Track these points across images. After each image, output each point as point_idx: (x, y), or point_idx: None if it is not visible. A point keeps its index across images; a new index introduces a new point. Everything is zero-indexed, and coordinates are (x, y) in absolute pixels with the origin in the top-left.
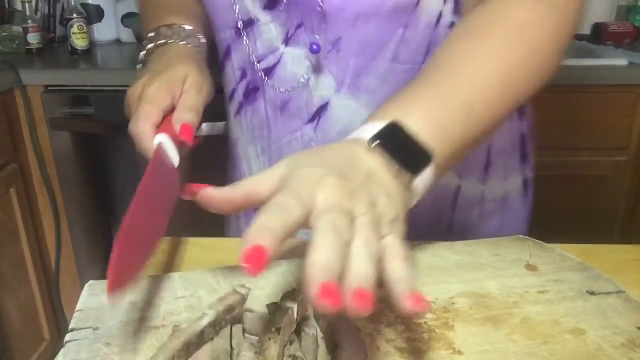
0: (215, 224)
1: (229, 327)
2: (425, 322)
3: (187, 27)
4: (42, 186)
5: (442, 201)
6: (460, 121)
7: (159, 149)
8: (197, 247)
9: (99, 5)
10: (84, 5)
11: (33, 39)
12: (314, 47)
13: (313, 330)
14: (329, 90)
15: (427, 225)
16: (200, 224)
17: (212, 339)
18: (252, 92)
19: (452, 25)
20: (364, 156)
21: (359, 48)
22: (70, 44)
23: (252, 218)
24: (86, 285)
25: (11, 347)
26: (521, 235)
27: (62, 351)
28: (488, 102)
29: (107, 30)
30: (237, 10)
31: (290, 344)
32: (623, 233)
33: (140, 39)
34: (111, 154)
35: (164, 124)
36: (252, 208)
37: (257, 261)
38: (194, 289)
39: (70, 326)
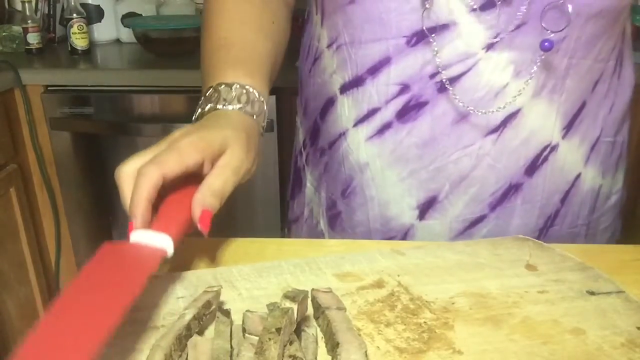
0: (215, 224)
1: (228, 328)
2: (425, 322)
3: (250, 87)
4: (42, 186)
5: (586, 206)
6: None
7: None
8: (197, 247)
9: (99, 5)
10: (84, 5)
11: (33, 39)
12: (547, 44)
13: (313, 330)
14: (526, 97)
15: (570, 234)
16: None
17: (197, 332)
18: (414, 108)
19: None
20: None
21: (577, 47)
22: (70, 44)
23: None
24: None
25: (11, 347)
26: (521, 235)
27: None
28: None
29: (107, 30)
30: (422, 16)
31: (290, 344)
32: (623, 233)
33: (140, 40)
34: (111, 154)
35: (173, 198)
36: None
37: None
38: (194, 289)
39: None
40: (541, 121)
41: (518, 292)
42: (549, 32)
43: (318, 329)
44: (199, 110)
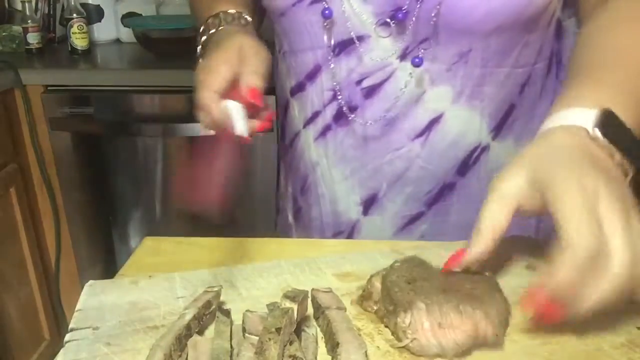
0: (216, 223)
1: (228, 328)
2: None
3: (231, 11)
4: (42, 186)
5: None
6: None
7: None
8: (197, 247)
9: (99, 5)
10: (84, 5)
11: (33, 39)
12: (416, 60)
13: (313, 330)
14: (445, 102)
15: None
16: (201, 224)
17: (197, 332)
18: (347, 112)
19: (556, 21)
20: (593, 148)
21: (487, 57)
22: (70, 44)
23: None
24: (86, 285)
25: (11, 347)
26: (516, 235)
27: (62, 351)
28: None
29: (107, 30)
30: (339, 29)
31: (290, 344)
32: None
33: (140, 40)
34: (111, 154)
35: (232, 94)
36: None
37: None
38: (194, 289)
39: (70, 326)
40: (465, 125)
41: (518, 292)
42: (424, 49)
43: (318, 329)
44: (202, 38)
